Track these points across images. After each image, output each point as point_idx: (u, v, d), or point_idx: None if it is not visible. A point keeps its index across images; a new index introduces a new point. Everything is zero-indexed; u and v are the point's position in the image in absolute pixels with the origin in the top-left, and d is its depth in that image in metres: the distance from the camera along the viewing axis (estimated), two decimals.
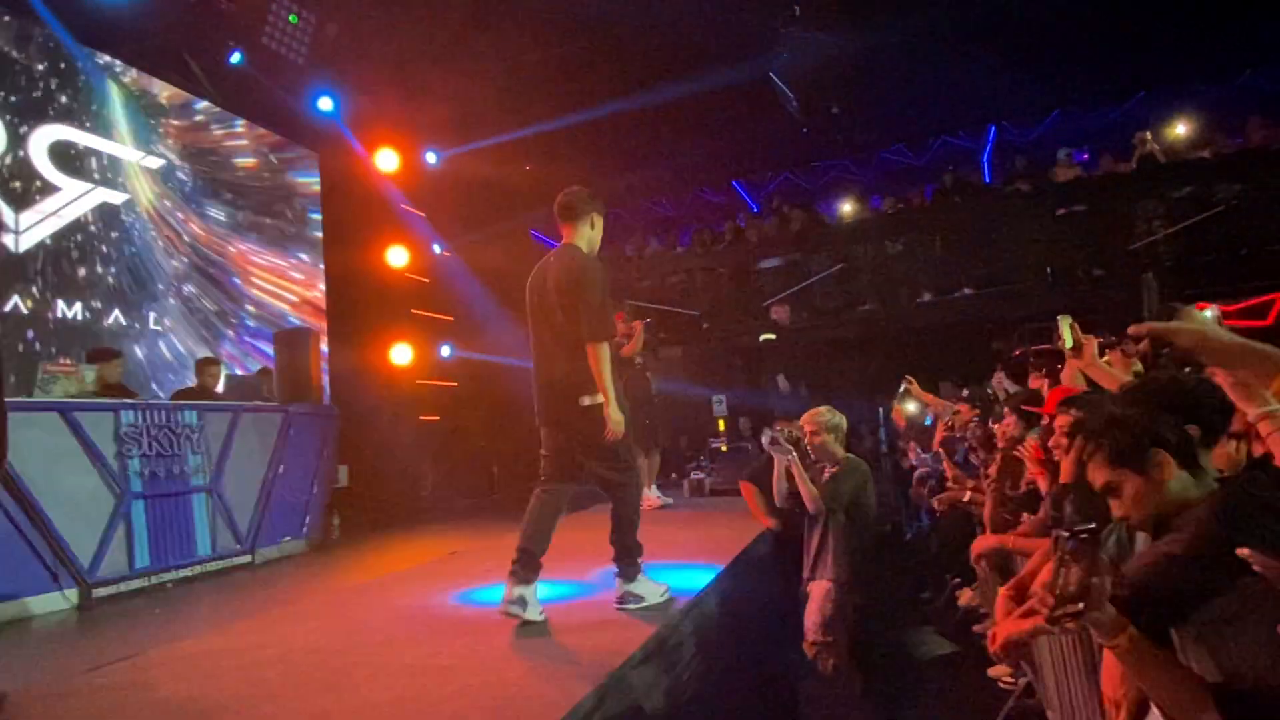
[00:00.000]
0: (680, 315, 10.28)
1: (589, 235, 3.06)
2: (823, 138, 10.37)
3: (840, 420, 3.39)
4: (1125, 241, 8.40)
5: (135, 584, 4.47)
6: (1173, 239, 8.21)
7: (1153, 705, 1.36)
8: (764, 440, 3.98)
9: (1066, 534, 1.32)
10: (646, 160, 10.41)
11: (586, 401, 2.90)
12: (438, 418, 10.05)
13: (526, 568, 2.81)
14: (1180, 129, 8.93)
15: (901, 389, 5.77)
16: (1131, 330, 1.37)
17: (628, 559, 2.96)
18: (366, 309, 9.26)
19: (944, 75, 9.12)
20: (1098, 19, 8.27)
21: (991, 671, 3.74)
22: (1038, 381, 4.66)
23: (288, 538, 5.73)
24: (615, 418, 2.83)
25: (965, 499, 3.98)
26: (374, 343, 9.32)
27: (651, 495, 6.07)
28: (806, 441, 3.69)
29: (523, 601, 2.76)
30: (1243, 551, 1.22)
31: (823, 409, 3.42)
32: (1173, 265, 8.17)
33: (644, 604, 2.93)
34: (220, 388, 6.02)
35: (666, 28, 8.50)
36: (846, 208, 10.44)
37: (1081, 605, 1.32)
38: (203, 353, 6.92)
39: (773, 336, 7.75)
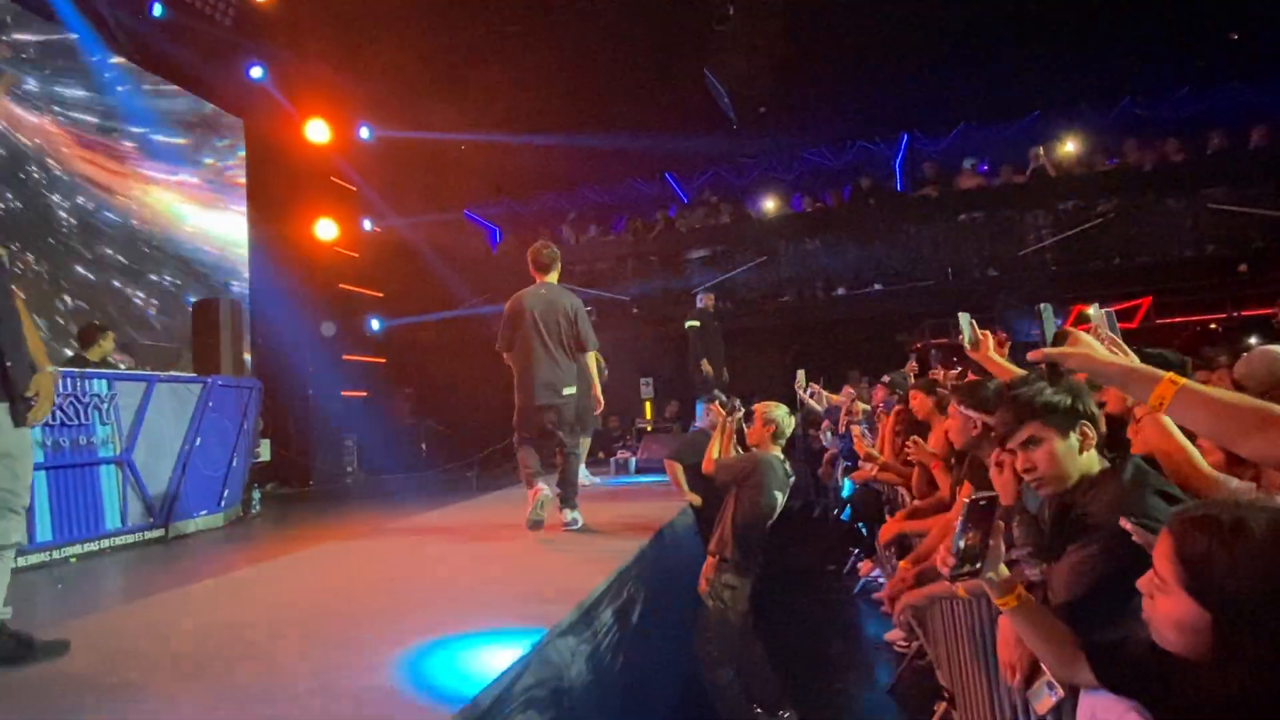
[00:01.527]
0: (611, 300, 10.22)
1: (556, 277, 4.41)
2: (751, 136, 10.47)
3: (788, 425, 3.39)
4: (1018, 247, 8.88)
5: (34, 558, 4.10)
6: (1057, 246, 8.74)
7: (1043, 667, 1.40)
8: (702, 413, 4.01)
9: (968, 500, 1.36)
10: (585, 146, 10.24)
11: (567, 392, 4.14)
12: (365, 393, 9.72)
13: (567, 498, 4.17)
14: (1069, 146, 9.47)
15: (800, 379, 5.87)
16: (1030, 356, 1.44)
17: (570, 496, 4.18)
18: (293, 281, 8.78)
19: (864, 83, 9.38)
20: (999, 42, 8.68)
21: (888, 636, 3.90)
22: (938, 373, 4.87)
23: (204, 512, 5.40)
24: (599, 399, 4.59)
25: (874, 473, 4.06)
26: (300, 316, 8.91)
27: (581, 476, 6.01)
28: (750, 423, 3.70)
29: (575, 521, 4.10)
30: (1125, 524, 1.26)
31: (782, 408, 3.42)
32: (1058, 270, 8.71)
33: (578, 524, 4.12)
34: (117, 356, 5.56)
35: (609, 12, 8.35)
36: (770, 205, 10.61)
37: (979, 565, 1.36)
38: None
39: (697, 324, 7.76)
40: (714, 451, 3.56)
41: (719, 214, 10.65)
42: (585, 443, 5.91)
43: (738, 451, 3.53)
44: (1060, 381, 1.55)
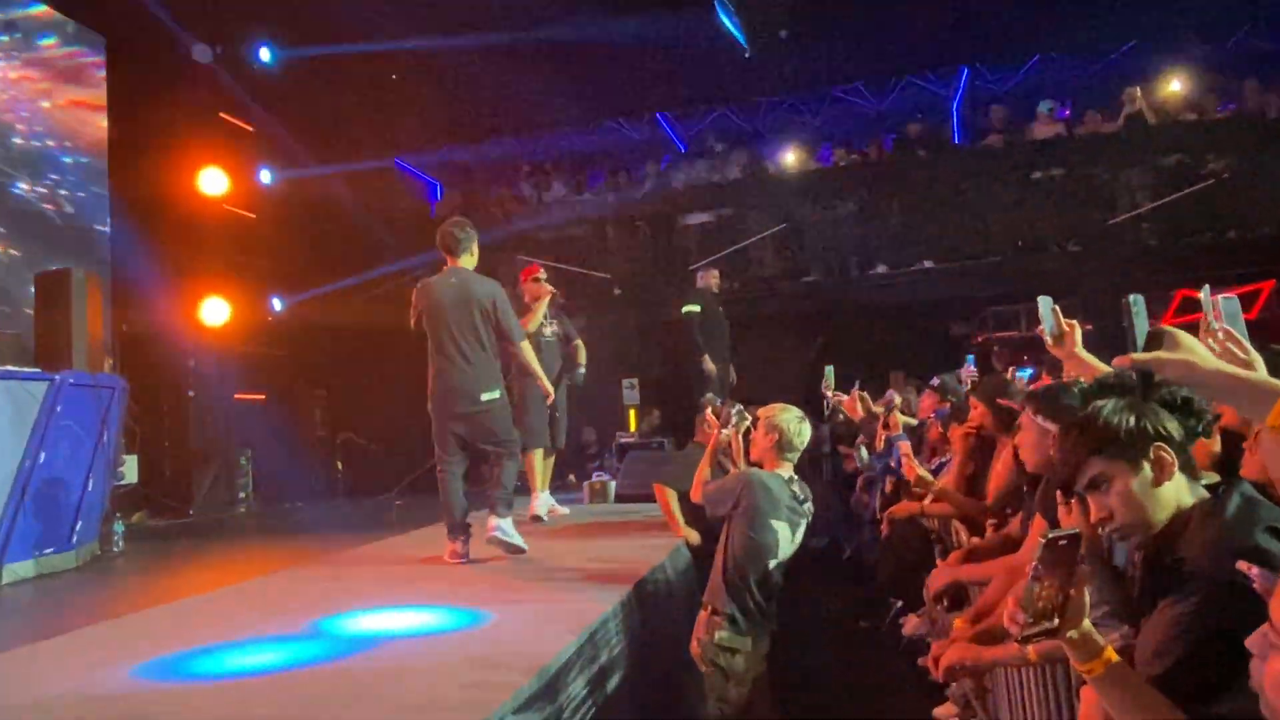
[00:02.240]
0: (586, 278, 10.22)
1: (473, 261, 4.67)
2: (768, 68, 10.48)
3: (798, 434, 3.38)
4: (1106, 214, 8.96)
5: None
6: (1156, 214, 8.82)
7: None
8: (709, 413, 4.05)
9: (1045, 539, 1.37)
10: (550, 81, 10.20)
11: (486, 397, 4.42)
12: (263, 396, 9.68)
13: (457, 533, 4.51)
14: (1174, 86, 9.52)
15: (829, 375, 5.93)
16: (1116, 363, 1.46)
17: (502, 500, 4.48)
18: (169, 249, 8.69)
19: (914, 1, 9.38)
20: None
21: (938, 712, 3.92)
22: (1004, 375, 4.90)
23: (49, 550, 5.33)
24: (547, 389, 5.01)
25: (922, 509, 4.08)
26: (179, 294, 8.85)
27: (545, 502, 6.00)
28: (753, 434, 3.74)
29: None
30: (1243, 566, 1.27)
31: (793, 412, 3.41)
32: (1156, 245, 8.80)
33: (509, 539, 4.40)
34: None
35: None
36: (791, 157, 10.65)
37: (1057, 622, 1.36)
38: None
39: (697, 309, 7.79)
40: (703, 473, 3.59)
41: (726, 167, 10.66)
42: (539, 459, 5.92)
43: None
44: (1154, 395, 1.55)
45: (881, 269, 9.58)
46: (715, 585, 3.32)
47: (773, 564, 3.29)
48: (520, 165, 11.87)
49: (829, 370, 6.00)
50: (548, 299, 5.98)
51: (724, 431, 3.69)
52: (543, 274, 6.17)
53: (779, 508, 3.27)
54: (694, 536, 4.76)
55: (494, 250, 11.01)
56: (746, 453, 3.64)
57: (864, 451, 5.96)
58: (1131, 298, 1.56)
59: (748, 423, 3.69)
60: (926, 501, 4.05)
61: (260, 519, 8.64)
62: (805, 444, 3.42)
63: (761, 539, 3.25)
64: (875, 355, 8.73)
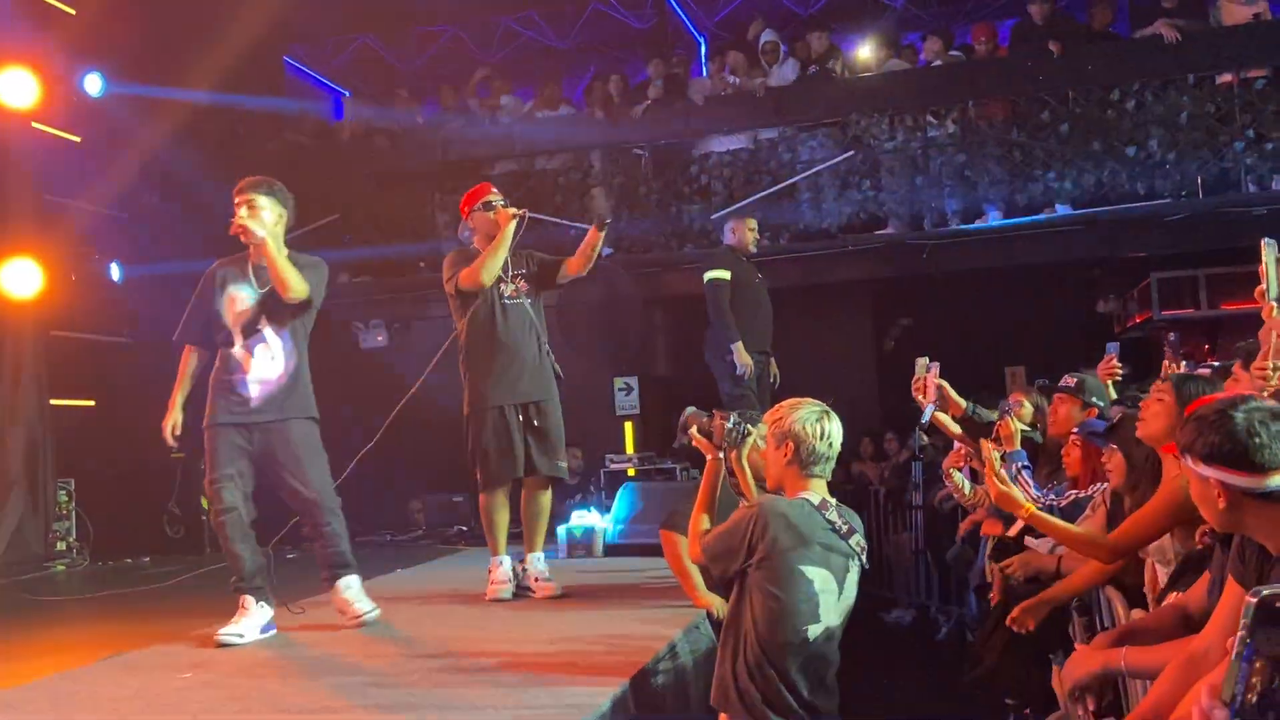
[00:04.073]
0: (561, 232, 10.18)
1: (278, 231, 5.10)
2: None
3: (819, 435, 3.37)
4: None
5: None
6: None
7: None
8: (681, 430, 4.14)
9: (1254, 600, 1.40)
10: None
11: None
12: (93, 402, 9.74)
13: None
14: None
15: (920, 369, 5.87)
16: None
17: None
18: None
19: None
20: None
21: None
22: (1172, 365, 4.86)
23: None
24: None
25: (1058, 566, 4.08)
26: None
27: (526, 571, 5.89)
28: (756, 449, 3.77)
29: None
30: None
31: (809, 407, 3.41)
32: None
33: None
34: None
35: None
36: (865, 52, 10.57)
37: None
38: None
39: (725, 275, 7.73)
40: (698, 522, 3.61)
41: (767, 69, 10.58)
42: (531, 510, 5.90)
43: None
44: None
45: (993, 218, 9.52)
46: (724, 684, 3.30)
47: (813, 631, 3.27)
48: (466, 66, 11.84)
49: (924, 363, 5.87)
50: (511, 226, 5.66)
51: (723, 453, 3.75)
52: (495, 194, 5.91)
53: (809, 545, 3.27)
54: (718, 605, 4.72)
55: (421, 189, 11.07)
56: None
57: (960, 477, 5.96)
58: (1265, 242, 1.52)
59: (755, 437, 3.79)
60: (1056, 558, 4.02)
61: (89, 581, 8.58)
62: (837, 447, 3.44)
63: (789, 597, 3.22)
64: (982, 342, 8.70)
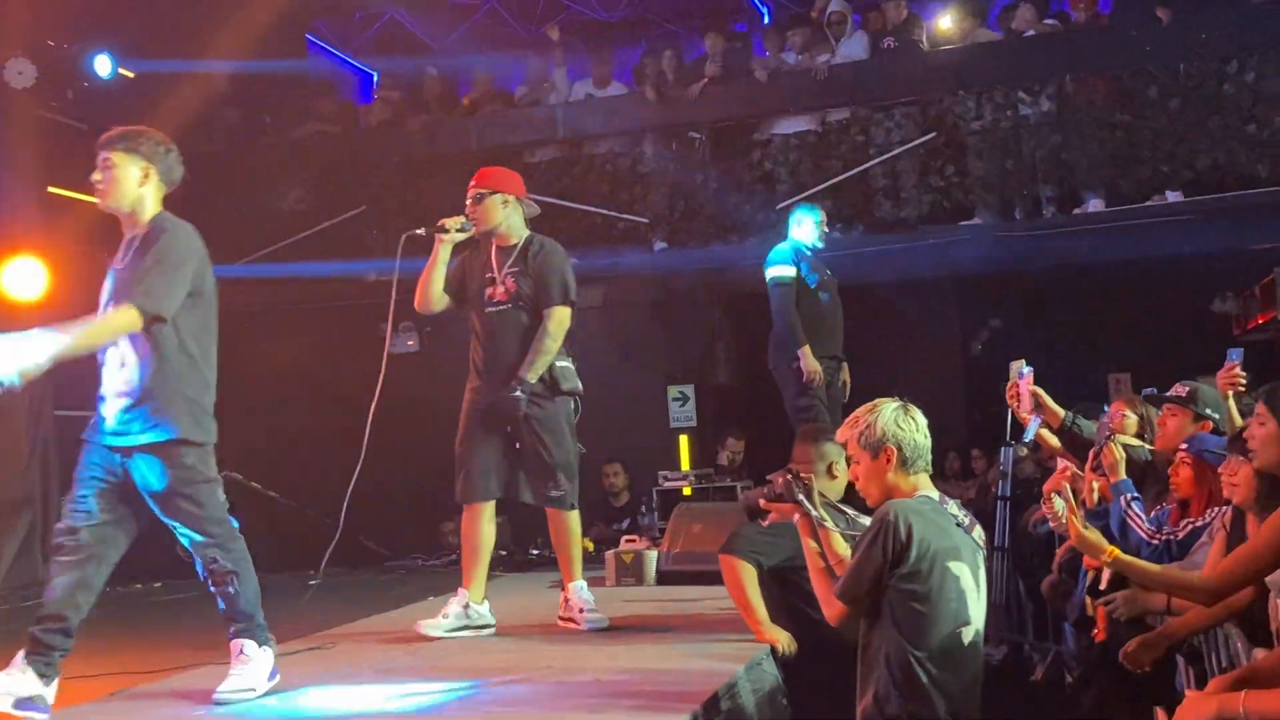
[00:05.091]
0: (609, 224, 10.21)
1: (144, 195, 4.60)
2: None
3: (912, 430, 3.50)
4: None
5: None
6: None
7: None
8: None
9: None
10: None
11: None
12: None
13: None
14: None
15: (1014, 373, 5.82)
16: None
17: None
18: None
19: None
20: None
21: None
22: None
23: None
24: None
25: (1169, 602, 4.05)
26: None
27: (581, 601, 5.76)
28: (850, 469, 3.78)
29: None
30: None
31: (887, 406, 3.48)
32: None
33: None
34: None
35: None
36: (946, 21, 10.53)
37: None
38: None
39: (790, 274, 7.66)
40: (822, 582, 3.65)
41: (834, 43, 10.51)
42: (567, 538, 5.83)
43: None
44: None
45: (1093, 206, 9.41)
46: (868, 716, 3.36)
47: (966, 634, 3.39)
48: (505, 43, 11.86)
49: (1017, 368, 5.82)
50: (438, 249, 5.68)
51: (802, 510, 3.82)
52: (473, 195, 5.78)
53: (950, 540, 3.41)
54: (785, 640, 4.72)
55: (456, 179, 11.01)
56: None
57: (1063, 503, 5.88)
58: None
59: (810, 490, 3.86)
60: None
61: (96, 607, 8.68)
62: (929, 436, 3.58)
63: (940, 597, 3.33)
64: (1083, 346, 8.60)
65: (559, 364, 5.61)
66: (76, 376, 9.64)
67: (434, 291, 5.73)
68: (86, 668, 5.63)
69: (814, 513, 3.78)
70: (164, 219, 4.52)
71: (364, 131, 11.63)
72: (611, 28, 12.22)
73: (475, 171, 5.85)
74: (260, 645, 4.37)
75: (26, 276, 9.18)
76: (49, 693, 4.16)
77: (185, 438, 4.30)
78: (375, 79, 12.78)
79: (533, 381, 5.48)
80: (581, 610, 5.72)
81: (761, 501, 4.00)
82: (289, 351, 10.26)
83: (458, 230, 5.66)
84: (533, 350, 5.51)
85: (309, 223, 10.66)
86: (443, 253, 5.68)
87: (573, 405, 5.75)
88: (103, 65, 9.94)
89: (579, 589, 5.79)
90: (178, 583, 9.33)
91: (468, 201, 5.71)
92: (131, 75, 10.25)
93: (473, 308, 5.76)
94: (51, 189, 9.44)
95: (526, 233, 5.79)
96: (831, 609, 3.60)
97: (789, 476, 3.86)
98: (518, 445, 5.63)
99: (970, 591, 3.42)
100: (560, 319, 5.59)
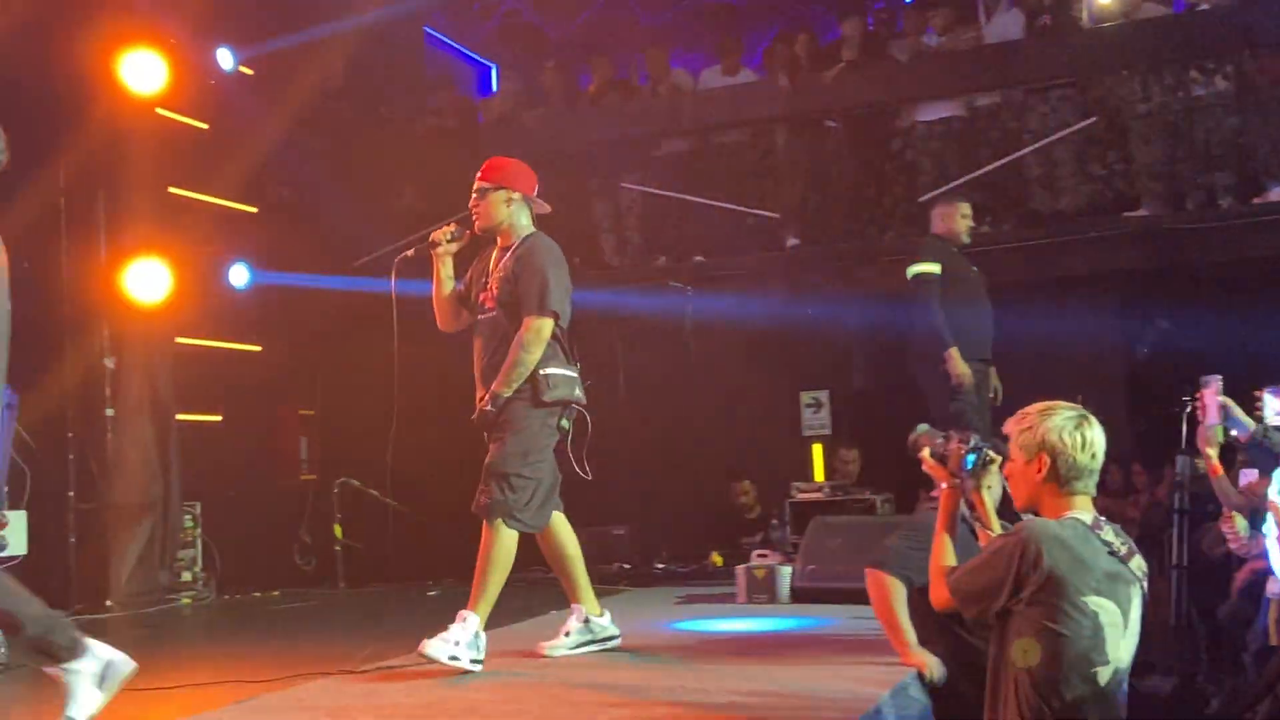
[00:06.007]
0: (738, 219, 10.18)
1: None
2: None
3: (1080, 445, 3.42)
4: None
5: None
6: None
7: None
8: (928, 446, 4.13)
9: None
10: None
11: None
12: (219, 418, 10.03)
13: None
14: None
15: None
16: None
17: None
18: (72, 180, 9.03)
19: None
20: None
21: None
22: None
23: None
24: None
25: None
26: (87, 254, 9.17)
27: (452, 637, 5.23)
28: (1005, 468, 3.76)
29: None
30: None
31: (1063, 412, 3.43)
32: None
33: None
34: None
35: None
36: None
37: None
38: None
39: (935, 269, 7.63)
40: (940, 557, 3.73)
41: (984, 20, 10.47)
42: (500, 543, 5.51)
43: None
44: None
45: (1276, 195, 9.11)
46: None
47: (1103, 674, 3.33)
48: (628, 32, 11.91)
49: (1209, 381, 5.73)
50: (438, 267, 5.77)
51: (956, 482, 3.84)
52: (450, 228, 5.84)
53: (1091, 573, 3.33)
54: (933, 665, 4.66)
55: (577, 174, 11.12)
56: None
57: (1244, 523, 5.79)
58: None
59: (997, 464, 3.86)
60: None
61: (216, 616, 8.88)
62: (1100, 458, 3.49)
63: (1075, 636, 3.27)
64: (1266, 351, 8.27)
65: (547, 371, 5.41)
66: (197, 385, 10.00)
67: (446, 309, 5.78)
68: (206, 675, 5.83)
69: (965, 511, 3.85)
70: None
71: (482, 126, 11.78)
72: (740, 11, 12.20)
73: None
74: None
75: (149, 278, 9.42)
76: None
77: None
78: (494, 72, 12.93)
79: (506, 395, 5.36)
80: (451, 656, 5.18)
81: (925, 454, 4.00)
82: (404, 355, 10.40)
83: (449, 240, 5.70)
84: (506, 363, 5.39)
85: (425, 222, 10.76)
86: (443, 269, 5.73)
87: (559, 418, 5.51)
88: (225, 60, 10.20)
89: (467, 626, 5.27)
90: (295, 590, 9.63)
91: (472, 197, 5.70)
92: (250, 72, 10.50)
93: (472, 315, 5.74)
94: (172, 189, 9.72)
95: (529, 232, 5.69)
96: (939, 593, 3.66)
97: (969, 448, 3.85)
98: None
99: (1112, 628, 3.34)
100: (536, 330, 5.38)
